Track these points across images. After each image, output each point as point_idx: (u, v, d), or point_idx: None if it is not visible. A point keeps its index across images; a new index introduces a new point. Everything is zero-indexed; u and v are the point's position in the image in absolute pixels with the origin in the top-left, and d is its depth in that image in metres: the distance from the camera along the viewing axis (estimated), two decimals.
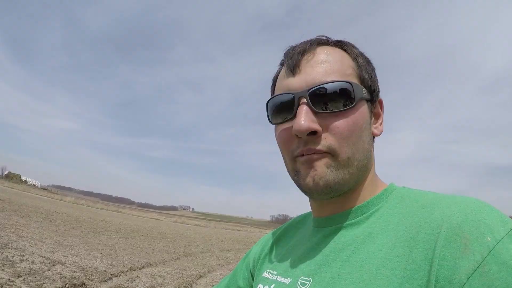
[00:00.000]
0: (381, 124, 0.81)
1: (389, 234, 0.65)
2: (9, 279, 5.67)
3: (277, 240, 0.97)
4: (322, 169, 0.69)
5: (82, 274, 6.99)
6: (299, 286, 0.71)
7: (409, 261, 0.58)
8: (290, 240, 0.91)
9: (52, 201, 38.98)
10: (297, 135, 0.70)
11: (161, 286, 7.29)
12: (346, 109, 0.70)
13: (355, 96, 0.71)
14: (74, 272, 7.08)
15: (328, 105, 0.70)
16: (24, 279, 5.85)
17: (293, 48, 0.78)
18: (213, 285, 8.02)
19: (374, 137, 0.82)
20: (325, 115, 0.70)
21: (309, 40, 0.78)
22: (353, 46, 0.80)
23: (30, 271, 6.40)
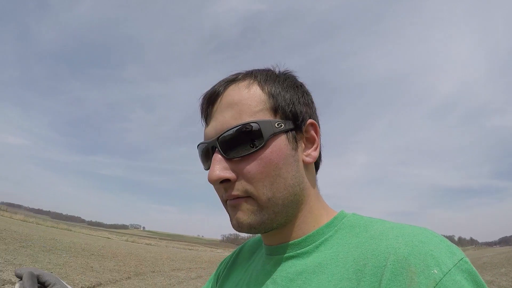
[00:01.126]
0: (316, 149, 0.75)
1: (338, 265, 0.64)
2: None
3: (233, 264, 0.95)
4: (244, 213, 0.70)
5: None
6: None
7: None
8: (245, 264, 0.90)
9: (1, 218, 36.70)
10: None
11: None
12: (256, 151, 0.68)
13: (263, 134, 0.68)
14: None
15: (239, 148, 0.68)
16: None
17: (203, 95, 0.77)
18: None
19: (311, 164, 0.78)
20: (236, 160, 0.69)
21: (219, 82, 0.77)
22: (267, 73, 0.77)
23: None
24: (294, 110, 0.73)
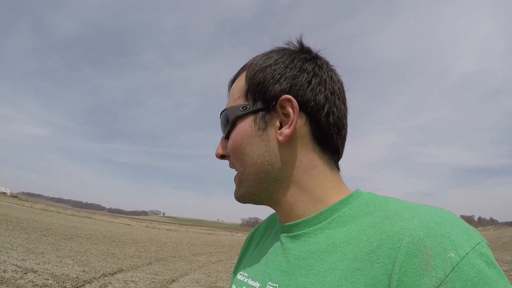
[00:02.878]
0: (290, 126, 0.72)
1: (351, 244, 0.63)
2: None
3: (252, 241, 0.99)
4: (235, 186, 0.81)
5: (54, 282, 7.06)
6: None
7: (369, 275, 0.57)
8: (262, 241, 0.92)
9: (22, 208, 37.82)
10: None
11: None
12: (228, 132, 0.79)
13: (229, 118, 0.78)
14: (46, 279, 7.14)
15: (223, 130, 0.81)
16: None
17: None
18: None
19: (299, 142, 0.75)
20: (227, 140, 0.80)
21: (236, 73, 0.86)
22: (262, 56, 0.79)
23: (2, 280, 6.44)
24: (264, 90, 0.74)
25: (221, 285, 9.68)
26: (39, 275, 7.44)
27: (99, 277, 8.35)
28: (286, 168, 0.74)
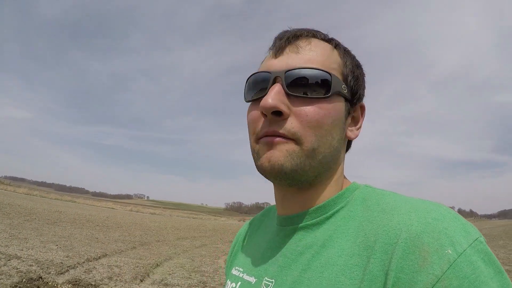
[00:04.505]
0: (358, 129, 0.78)
1: (348, 240, 0.63)
2: None
3: (246, 234, 0.96)
4: (281, 153, 0.66)
5: (39, 268, 7.07)
6: (263, 286, 0.71)
7: (366, 271, 0.56)
8: (257, 235, 0.90)
9: (5, 193, 37.14)
10: (263, 113, 0.68)
11: (118, 276, 7.45)
12: (320, 98, 0.67)
13: (332, 88, 0.68)
14: (30, 266, 7.14)
15: (303, 90, 0.67)
16: None
17: (284, 32, 0.76)
18: (169, 273, 8.30)
19: (347, 140, 0.79)
20: (297, 99, 0.67)
21: (302, 29, 0.77)
22: (345, 48, 0.79)
23: None
24: (356, 86, 0.75)
25: (205, 269, 9.81)
26: (23, 261, 7.43)
27: (84, 262, 8.37)
28: (339, 159, 0.76)
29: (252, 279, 0.75)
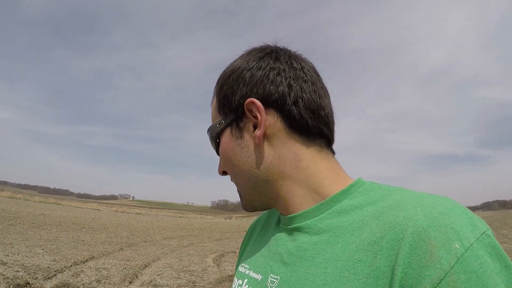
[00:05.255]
0: (260, 128, 0.72)
1: (353, 235, 0.62)
2: None
3: (252, 232, 0.98)
4: (240, 199, 0.83)
5: (25, 273, 7.00)
6: (269, 284, 0.71)
7: (372, 267, 0.56)
8: (263, 232, 0.91)
9: None
10: None
11: (106, 279, 7.43)
12: (218, 151, 0.82)
13: (213, 138, 0.80)
14: (17, 271, 7.06)
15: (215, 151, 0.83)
16: None
17: None
18: (158, 274, 8.29)
19: (278, 139, 0.74)
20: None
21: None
22: (227, 71, 0.80)
23: None
24: (229, 102, 0.76)
25: (194, 268, 9.84)
26: (9, 267, 7.35)
27: (71, 265, 8.31)
28: (272, 167, 0.74)
29: (258, 276, 0.76)
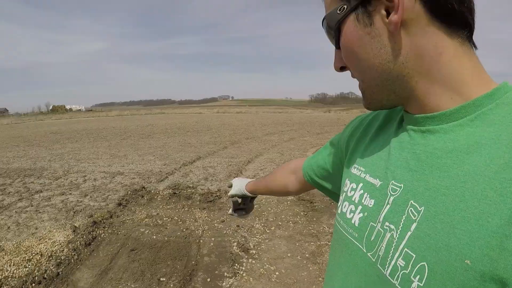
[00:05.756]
0: (397, 10, 0.56)
1: (500, 148, 0.51)
2: (77, 200, 6.27)
3: (365, 131, 0.83)
4: (362, 95, 0.69)
5: (140, 179, 7.60)
6: (389, 191, 0.63)
7: None
8: (382, 133, 0.77)
9: (99, 119, 40.56)
10: None
11: (213, 176, 7.76)
12: (338, 42, 0.66)
13: (332, 25, 0.65)
14: (133, 178, 7.71)
15: (333, 42, 0.68)
16: (90, 197, 6.45)
17: None
18: (261, 169, 8.49)
19: (416, 28, 0.58)
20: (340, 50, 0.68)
21: None
22: None
23: (94, 188, 7.03)
24: None
25: None
26: (126, 176, 8.03)
27: (180, 167, 8.85)
28: (409, 61, 0.59)
29: (377, 182, 0.68)
